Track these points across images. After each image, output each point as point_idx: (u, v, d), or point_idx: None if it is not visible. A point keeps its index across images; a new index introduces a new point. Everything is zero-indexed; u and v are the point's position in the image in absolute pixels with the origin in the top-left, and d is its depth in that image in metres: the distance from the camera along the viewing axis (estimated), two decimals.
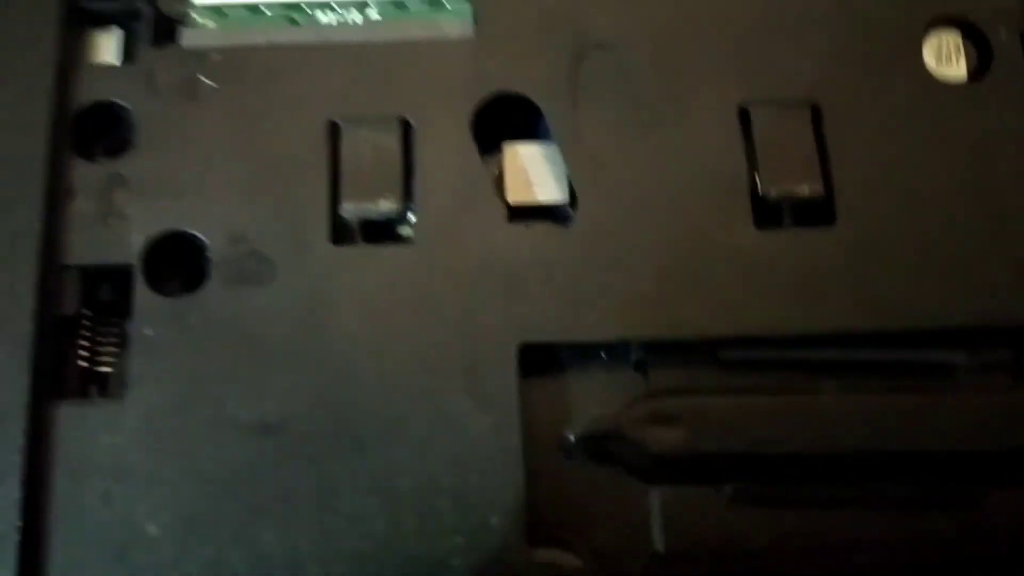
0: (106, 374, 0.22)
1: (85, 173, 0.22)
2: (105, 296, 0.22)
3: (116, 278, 0.22)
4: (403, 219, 0.22)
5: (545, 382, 0.21)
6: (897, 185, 0.22)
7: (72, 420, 0.21)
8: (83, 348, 0.22)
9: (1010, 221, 0.22)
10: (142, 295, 0.21)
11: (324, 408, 0.21)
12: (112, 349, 0.22)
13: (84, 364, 0.22)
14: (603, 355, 0.21)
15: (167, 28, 0.24)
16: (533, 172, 0.23)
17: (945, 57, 0.23)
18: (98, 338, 0.22)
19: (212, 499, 0.20)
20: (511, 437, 0.20)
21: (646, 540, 0.20)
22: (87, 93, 0.23)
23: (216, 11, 0.24)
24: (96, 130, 0.23)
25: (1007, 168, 0.22)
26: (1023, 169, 0.22)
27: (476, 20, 0.23)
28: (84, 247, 0.22)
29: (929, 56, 0.23)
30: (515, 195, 0.22)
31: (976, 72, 0.23)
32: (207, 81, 0.23)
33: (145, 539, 0.20)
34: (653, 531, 0.20)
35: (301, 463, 0.20)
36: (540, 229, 0.22)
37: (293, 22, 0.24)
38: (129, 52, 0.24)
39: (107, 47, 0.24)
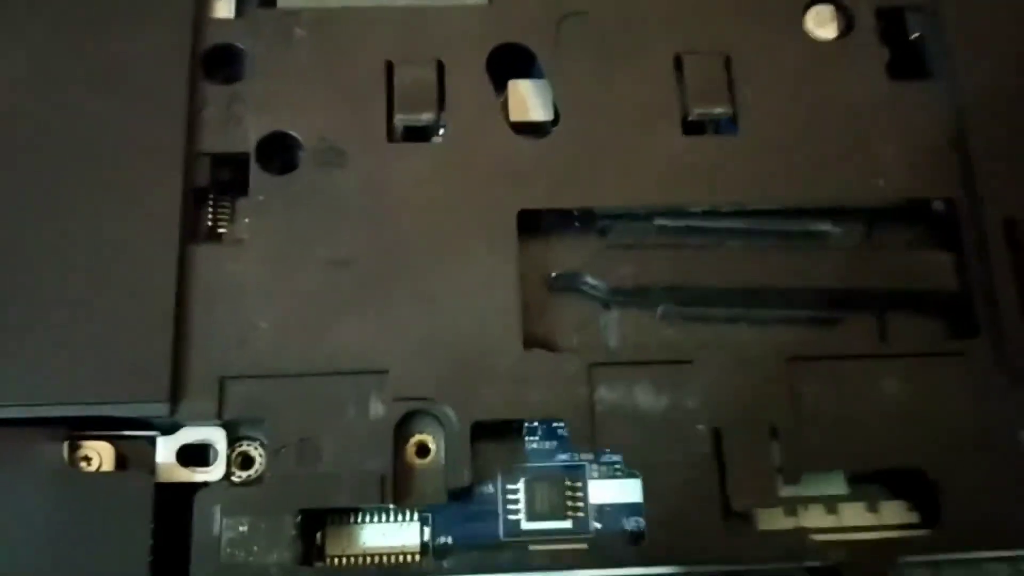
0: (221, 233, 0.29)
1: (213, 92, 0.29)
2: (224, 177, 0.29)
3: (236, 163, 0.29)
4: (437, 128, 0.29)
5: (536, 238, 0.28)
6: (782, 109, 0.29)
7: (207, 257, 0.27)
8: (209, 212, 0.29)
9: (859, 134, 0.29)
10: (255, 174, 0.28)
11: (380, 250, 0.27)
12: (226, 216, 0.29)
13: (209, 224, 0.29)
14: (576, 224, 0.29)
15: None
16: (529, 100, 0.30)
17: (821, 22, 0.31)
18: (218, 207, 0.29)
19: (302, 307, 0.27)
20: (511, 273, 0.27)
21: (603, 343, 0.28)
22: (213, 38, 0.30)
23: None
24: (220, 62, 0.30)
25: (858, 99, 0.30)
26: (870, 100, 0.30)
27: None
28: (214, 140, 0.29)
29: (809, 21, 0.31)
30: (516, 115, 0.30)
31: (842, 33, 0.30)
32: (299, 31, 0.30)
33: (258, 331, 0.27)
34: (608, 337, 0.28)
35: (364, 285, 0.27)
36: (533, 137, 0.29)
37: None
38: (240, 10, 0.31)
39: (225, 6, 0.31)
